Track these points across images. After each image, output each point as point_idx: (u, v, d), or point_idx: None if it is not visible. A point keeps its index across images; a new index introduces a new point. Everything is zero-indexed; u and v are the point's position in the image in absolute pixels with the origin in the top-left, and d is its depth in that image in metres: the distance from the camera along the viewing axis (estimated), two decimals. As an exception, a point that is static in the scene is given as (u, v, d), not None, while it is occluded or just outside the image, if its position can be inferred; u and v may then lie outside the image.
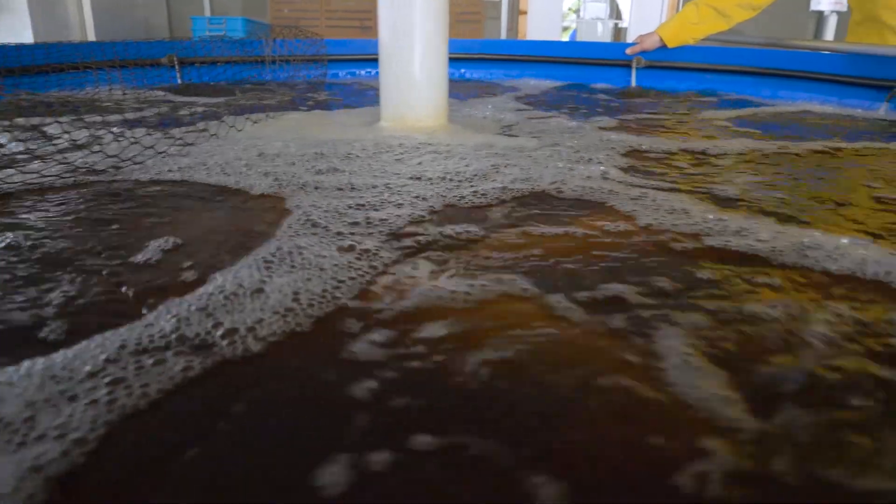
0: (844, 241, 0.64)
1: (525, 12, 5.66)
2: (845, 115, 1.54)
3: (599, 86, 2.07)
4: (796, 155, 1.09)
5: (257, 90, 1.84)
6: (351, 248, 0.61)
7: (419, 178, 0.88)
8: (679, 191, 0.83)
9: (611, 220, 0.71)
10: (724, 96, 1.87)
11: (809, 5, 5.21)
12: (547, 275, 0.56)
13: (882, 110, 1.56)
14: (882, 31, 1.66)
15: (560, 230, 0.68)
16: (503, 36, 5.65)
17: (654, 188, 0.83)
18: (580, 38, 6.06)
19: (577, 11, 6.29)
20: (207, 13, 6.19)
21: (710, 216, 0.71)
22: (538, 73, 2.19)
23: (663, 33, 1.97)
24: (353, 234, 0.65)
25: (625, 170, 0.93)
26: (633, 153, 1.04)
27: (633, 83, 2.06)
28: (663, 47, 1.99)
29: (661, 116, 1.48)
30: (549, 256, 0.60)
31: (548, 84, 2.09)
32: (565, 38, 6.50)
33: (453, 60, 2.28)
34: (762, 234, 0.66)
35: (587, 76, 2.14)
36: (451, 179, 0.87)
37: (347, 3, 5.82)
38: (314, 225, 0.68)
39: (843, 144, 1.17)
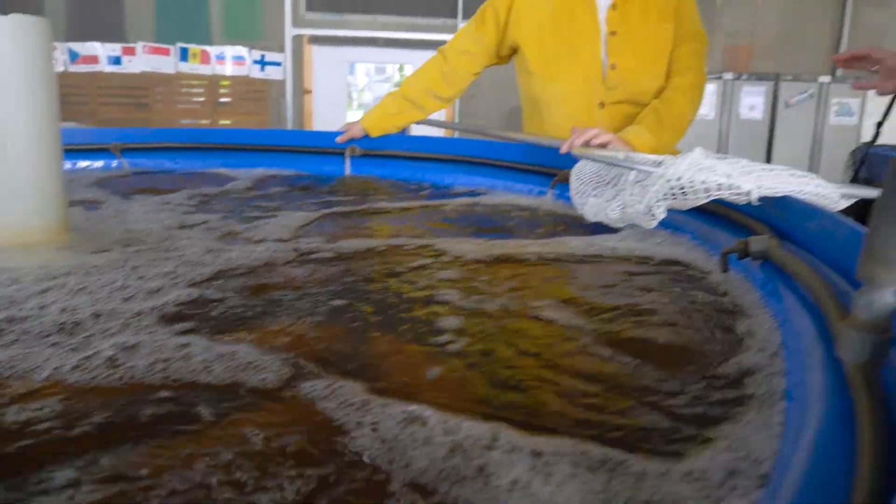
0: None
1: (310, 91, 5.72)
2: (518, 205, 1.62)
3: (315, 175, 2.05)
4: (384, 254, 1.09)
5: None
6: None
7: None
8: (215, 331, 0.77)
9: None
10: (418, 185, 1.92)
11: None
12: None
13: (549, 196, 1.67)
14: (546, 129, 1.82)
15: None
16: (289, 116, 5.65)
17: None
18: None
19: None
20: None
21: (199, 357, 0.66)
22: (258, 162, 2.14)
23: (365, 123, 2.01)
24: None
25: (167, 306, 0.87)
26: (220, 271, 0.99)
27: (347, 172, 2.07)
28: (368, 136, 2.03)
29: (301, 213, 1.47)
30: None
31: (258, 174, 2.04)
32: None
33: (166, 151, 2.17)
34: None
35: (306, 165, 2.12)
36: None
37: (123, 79, 5.52)
38: None
39: (438, 242, 1.21)
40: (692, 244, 1.18)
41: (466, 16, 5.56)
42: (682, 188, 0.99)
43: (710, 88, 5.55)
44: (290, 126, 5.67)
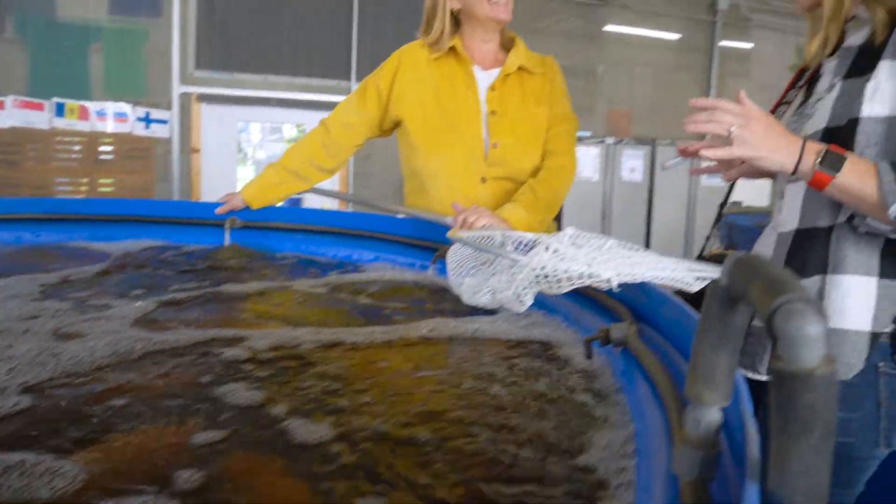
0: None
1: (198, 150, 5.57)
2: (396, 281, 1.62)
3: (192, 247, 1.97)
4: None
5: None
6: None
7: None
8: None
9: None
10: (297, 259, 1.88)
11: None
12: None
13: (430, 271, 1.67)
14: (429, 202, 1.84)
15: None
16: (176, 175, 5.46)
17: None
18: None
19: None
20: None
21: None
22: (131, 234, 2.03)
23: (246, 194, 1.97)
24: None
25: None
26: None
27: (227, 242, 2.00)
28: (249, 208, 1.98)
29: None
30: None
31: (128, 248, 1.93)
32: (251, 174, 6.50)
33: (27, 223, 2.03)
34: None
35: (184, 236, 2.03)
36: None
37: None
38: None
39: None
40: (564, 326, 1.21)
41: (360, 76, 5.64)
42: (547, 276, 1.01)
43: (594, 152, 5.88)
44: (176, 185, 5.47)
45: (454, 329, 1.17)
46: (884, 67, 1.08)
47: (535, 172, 1.80)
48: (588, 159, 5.84)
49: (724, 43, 7.17)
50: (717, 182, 6.27)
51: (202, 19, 5.50)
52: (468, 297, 1.27)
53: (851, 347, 1.12)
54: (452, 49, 1.84)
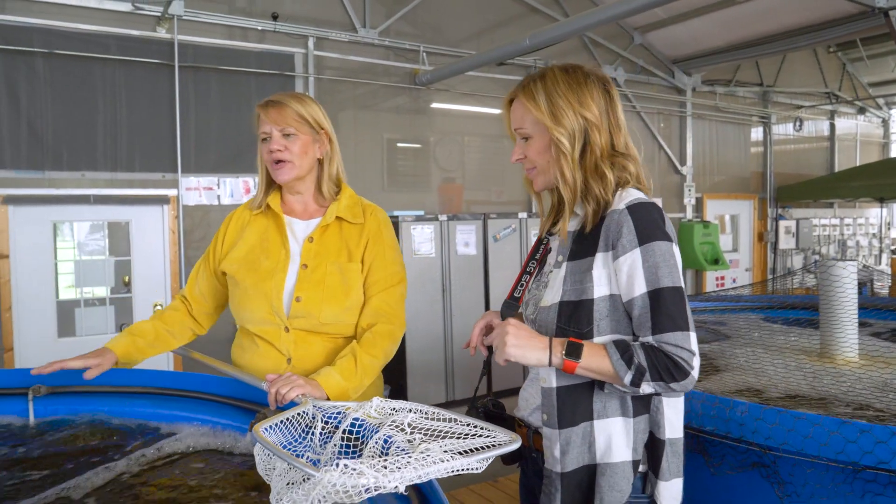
0: None
1: (6, 256, 5.12)
2: (211, 449, 1.61)
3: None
4: None
5: None
6: None
7: None
8: None
9: None
10: (110, 429, 1.82)
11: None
12: None
13: (249, 437, 1.68)
14: (254, 343, 1.89)
15: None
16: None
17: None
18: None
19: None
20: None
21: None
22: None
23: (118, 350, 1.87)
24: None
25: None
26: None
27: (32, 417, 1.88)
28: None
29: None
30: None
31: None
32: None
33: None
34: None
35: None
36: None
37: None
38: None
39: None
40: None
41: (186, 169, 5.48)
42: (338, 492, 1.08)
43: (429, 229, 6.11)
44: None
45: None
46: (598, 258, 1.37)
47: (342, 324, 1.85)
48: (424, 237, 6.07)
49: (540, 116, 7.79)
50: (545, 247, 6.77)
51: (7, 117, 5.14)
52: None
53: (621, 476, 1.36)
54: (269, 206, 1.91)
